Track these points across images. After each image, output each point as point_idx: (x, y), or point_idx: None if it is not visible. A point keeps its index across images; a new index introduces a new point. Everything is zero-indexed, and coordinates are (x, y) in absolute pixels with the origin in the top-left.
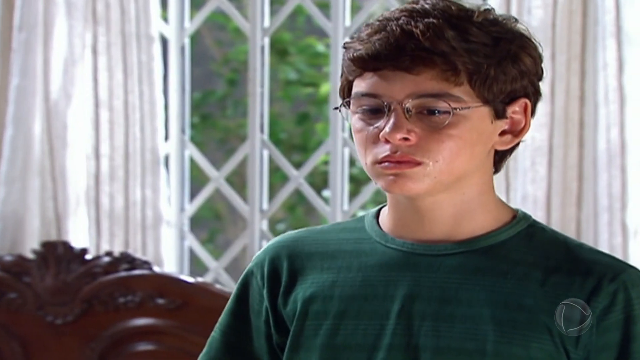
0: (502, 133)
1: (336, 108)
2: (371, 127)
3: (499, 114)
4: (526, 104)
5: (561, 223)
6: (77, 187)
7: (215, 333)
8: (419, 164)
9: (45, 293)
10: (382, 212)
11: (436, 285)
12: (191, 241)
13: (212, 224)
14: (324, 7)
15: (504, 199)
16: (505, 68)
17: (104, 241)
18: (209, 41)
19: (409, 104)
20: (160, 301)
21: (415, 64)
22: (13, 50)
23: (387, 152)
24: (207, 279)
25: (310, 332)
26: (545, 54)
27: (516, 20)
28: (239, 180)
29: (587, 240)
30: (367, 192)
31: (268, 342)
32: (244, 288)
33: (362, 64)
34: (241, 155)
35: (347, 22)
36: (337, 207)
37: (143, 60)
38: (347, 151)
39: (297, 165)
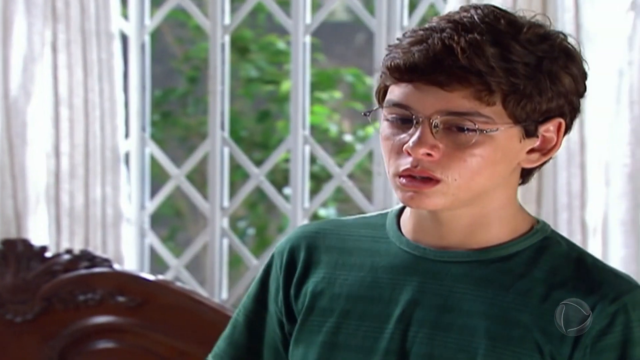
0: (531, 151)
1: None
2: (398, 137)
3: (530, 133)
4: (560, 124)
5: None
6: (37, 185)
7: (238, 316)
8: (437, 181)
9: (5, 291)
10: (405, 211)
11: (439, 292)
12: (152, 239)
13: (172, 221)
14: (285, 5)
15: None
16: (542, 88)
17: (64, 239)
18: (169, 39)
19: (437, 119)
20: (121, 299)
21: (450, 81)
22: None
23: (408, 165)
24: (167, 276)
25: (313, 327)
26: None
27: (565, 37)
28: (199, 178)
29: None
30: (328, 189)
31: (282, 331)
32: (266, 273)
33: (398, 73)
34: (202, 153)
35: (308, 20)
36: (298, 204)
37: (103, 58)
38: (307, 149)
39: (258, 163)
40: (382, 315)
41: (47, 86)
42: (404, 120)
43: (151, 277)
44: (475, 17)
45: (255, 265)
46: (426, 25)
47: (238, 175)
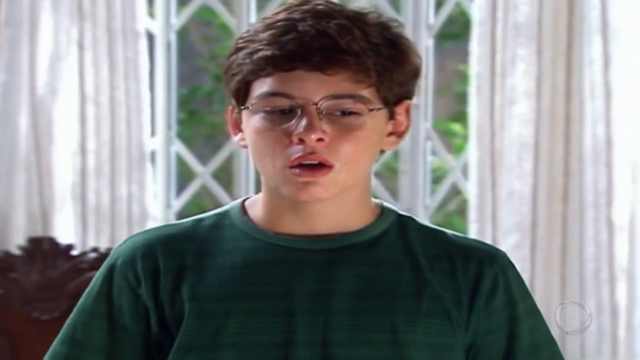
0: (389, 134)
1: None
2: (279, 128)
3: (391, 116)
4: (408, 106)
5: (547, 219)
6: (63, 182)
7: (75, 334)
8: (330, 167)
9: (32, 289)
10: (251, 207)
11: (340, 280)
12: None
13: None
14: None
15: (489, 195)
16: (402, 70)
17: (90, 237)
18: (195, 37)
19: (323, 104)
20: None
21: (331, 65)
22: None
23: (301, 153)
24: None
25: (206, 331)
26: (531, 50)
27: (401, 25)
28: (225, 176)
29: (573, 236)
30: None
31: (144, 341)
32: (108, 288)
33: (274, 63)
34: (227, 151)
35: None
36: None
37: (129, 56)
38: None
39: None
40: (283, 309)
41: (74, 84)
42: (282, 112)
43: None
44: (323, 7)
45: None
46: (279, 17)
47: None
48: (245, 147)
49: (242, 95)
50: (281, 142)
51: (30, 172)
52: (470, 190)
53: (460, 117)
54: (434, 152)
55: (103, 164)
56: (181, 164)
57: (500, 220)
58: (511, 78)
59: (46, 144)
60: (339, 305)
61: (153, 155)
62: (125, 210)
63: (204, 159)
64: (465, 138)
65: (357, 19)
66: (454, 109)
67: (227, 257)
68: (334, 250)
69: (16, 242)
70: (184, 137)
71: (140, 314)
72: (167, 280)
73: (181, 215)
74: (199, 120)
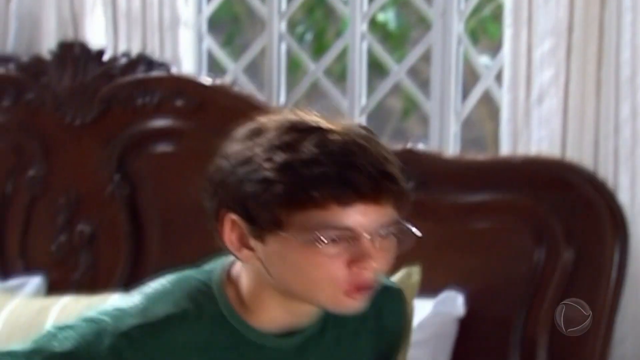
0: None
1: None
2: (336, 258)
3: None
4: None
5: (584, 23)
6: None
7: None
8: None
9: (63, 94)
10: (230, 288)
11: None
12: (209, 43)
13: (230, 25)
14: None
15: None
16: None
17: (121, 42)
18: None
19: (378, 233)
20: (179, 102)
21: (383, 195)
22: None
23: (361, 281)
24: (225, 80)
25: None
26: None
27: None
28: None
29: (610, 40)
30: None
31: None
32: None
33: (336, 198)
34: None
35: None
36: (357, 8)
37: None
38: None
39: None
40: None
41: None
42: (340, 239)
43: (209, 81)
44: (362, 133)
45: (313, 70)
46: (321, 149)
47: None
48: (248, 262)
49: (275, 220)
50: (338, 271)
51: None
52: None
53: None
54: None
55: None
56: None
57: (536, 25)
58: None
59: None
60: None
61: None
62: (156, 15)
63: None
64: None
65: (376, 140)
66: None
67: (218, 354)
68: (307, 340)
69: (47, 46)
70: None
71: None
72: None
73: (212, 20)
74: None
